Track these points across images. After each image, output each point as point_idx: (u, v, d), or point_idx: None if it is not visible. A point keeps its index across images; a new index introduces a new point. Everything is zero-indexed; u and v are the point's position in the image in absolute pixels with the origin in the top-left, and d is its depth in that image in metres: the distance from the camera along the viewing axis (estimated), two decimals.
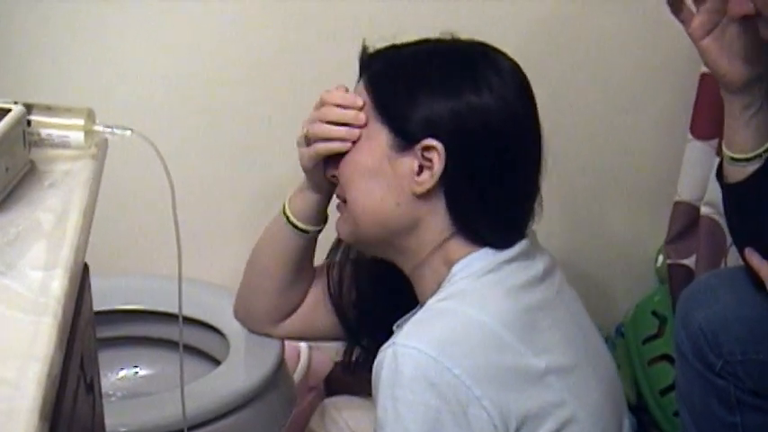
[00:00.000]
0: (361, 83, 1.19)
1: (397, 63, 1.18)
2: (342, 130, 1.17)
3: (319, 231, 1.32)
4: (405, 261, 1.20)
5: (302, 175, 1.31)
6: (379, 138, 1.15)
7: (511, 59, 1.18)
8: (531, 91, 1.18)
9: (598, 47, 1.84)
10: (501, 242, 1.14)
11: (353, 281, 1.34)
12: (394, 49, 1.19)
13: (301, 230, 1.31)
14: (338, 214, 1.23)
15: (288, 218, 1.31)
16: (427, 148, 1.12)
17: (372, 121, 1.16)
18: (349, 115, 1.17)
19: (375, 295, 1.31)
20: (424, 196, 1.13)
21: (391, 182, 1.14)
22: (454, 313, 1.09)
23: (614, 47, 1.84)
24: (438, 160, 1.11)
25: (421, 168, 1.13)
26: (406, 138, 1.13)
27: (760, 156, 1.23)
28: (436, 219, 1.15)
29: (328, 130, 1.18)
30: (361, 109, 1.17)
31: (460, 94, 1.12)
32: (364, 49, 1.21)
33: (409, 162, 1.13)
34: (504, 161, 1.14)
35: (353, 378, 1.38)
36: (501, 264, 1.13)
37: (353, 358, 1.38)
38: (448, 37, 1.20)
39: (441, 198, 1.14)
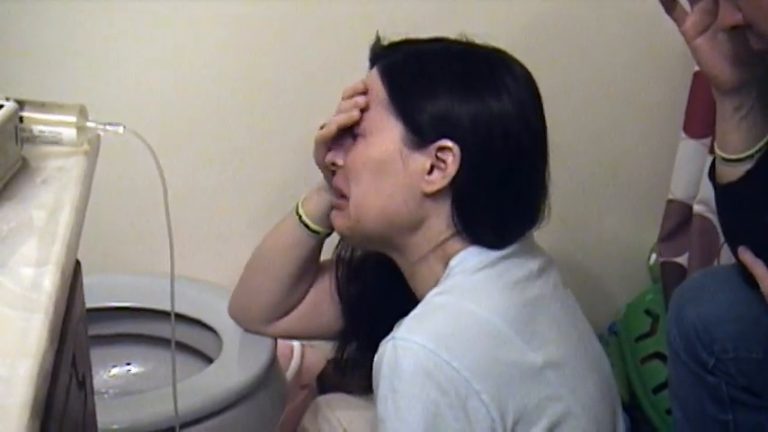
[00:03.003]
0: (375, 73, 1.18)
1: (416, 57, 1.17)
2: (339, 117, 1.18)
3: (329, 234, 1.32)
4: (401, 258, 1.20)
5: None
6: (393, 132, 1.14)
7: (524, 67, 1.18)
8: (540, 96, 1.18)
9: (591, 46, 1.84)
10: (499, 244, 1.15)
11: (360, 276, 1.33)
12: (411, 44, 1.19)
13: (313, 231, 1.31)
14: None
15: (300, 217, 1.31)
16: (442, 149, 1.11)
17: (386, 113, 1.15)
18: (351, 103, 1.17)
19: (381, 291, 1.31)
20: (432, 196, 1.13)
21: (401, 178, 1.14)
22: (453, 307, 1.09)
23: (607, 45, 1.84)
24: (453, 162, 1.11)
25: (432, 168, 1.12)
26: (421, 135, 1.13)
27: (752, 156, 1.23)
28: (440, 219, 1.15)
29: (332, 120, 1.19)
30: (364, 93, 1.16)
31: (482, 96, 1.12)
32: (378, 39, 1.20)
33: (422, 160, 1.13)
34: (515, 167, 1.14)
35: (345, 377, 1.38)
36: (497, 259, 1.13)
37: (345, 357, 1.37)
38: (463, 39, 1.19)
39: (447, 199, 1.14)
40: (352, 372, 1.33)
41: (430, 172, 1.12)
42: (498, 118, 1.12)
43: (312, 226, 1.30)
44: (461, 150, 1.11)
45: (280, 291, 1.35)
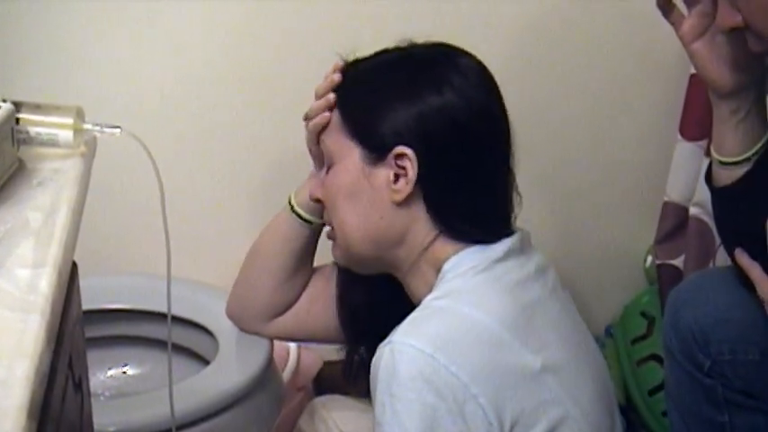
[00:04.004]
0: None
1: (358, 78, 1.20)
2: (317, 102, 1.20)
3: (323, 225, 1.32)
4: (399, 272, 1.20)
5: (293, 175, 1.32)
6: (352, 155, 1.16)
7: (471, 56, 1.19)
8: (495, 84, 1.19)
9: (587, 48, 1.84)
10: (486, 236, 1.15)
11: (362, 281, 1.33)
12: (356, 63, 1.22)
13: (305, 221, 1.31)
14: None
15: (292, 207, 1.32)
16: (399, 156, 1.13)
17: (343, 139, 1.18)
18: (326, 83, 1.20)
19: (384, 295, 1.30)
20: (404, 204, 1.15)
21: (371, 196, 1.16)
22: (450, 311, 1.09)
23: (603, 47, 1.85)
24: (411, 166, 1.13)
25: (397, 177, 1.14)
26: (377, 149, 1.15)
27: (748, 159, 1.23)
28: (419, 224, 1.16)
29: (311, 107, 1.22)
30: (341, 70, 1.20)
31: (423, 97, 1.14)
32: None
33: (385, 173, 1.14)
34: (475, 156, 1.15)
35: (353, 383, 1.37)
36: (493, 262, 1.13)
37: (354, 363, 1.36)
38: (405, 44, 1.21)
39: (420, 202, 1.15)
40: (360, 377, 1.33)
41: (396, 182, 1.14)
42: (442, 112, 1.13)
43: (304, 215, 1.31)
44: (416, 152, 1.12)
45: (276, 284, 1.36)
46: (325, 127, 1.21)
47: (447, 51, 1.19)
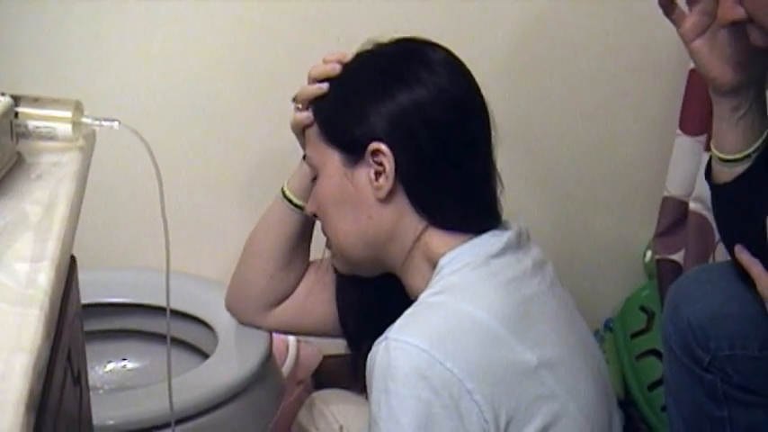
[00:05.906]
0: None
1: (331, 84, 1.21)
2: (309, 88, 1.22)
3: (315, 214, 1.32)
4: (395, 268, 1.21)
5: (292, 168, 1.33)
6: (333, 160, 1.18)
7: (439, 47, 1.20)
8: (467, 73, 1.20)
9: (587, 44, 1.84)
10: (475, 225, 1.16)
11: (355, 282, 1.33)
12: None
13: (296, 206, 1.33)
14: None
15: (284, 193, 1.33)
16: (375, 153, 1.15)
17: (323, 146, 1.19)
18: (324, 68, 1.21)
19: (383, 290, 1.30)
20: (389, 200, 1.16)
21: (356, 198, 1.17)
22: (447, 307, 1.09)
23: (604, 43, 1.85)
24: (388, 160, 1.14)
25: (378, 175, 1.15)
26: (353, 150, 1.16)
27: (749, 156, 1.23)
28: (407, 218, 1.16)
29: (301, 90, 1.23)
30: (340, 61, 1.21)
31: (391, 92, 1.15)
32: None
33: (365, 172, 1.16)
34: (450, 145, 1.16)
35: (358, 379, 1.37)
36: (489, 258, 1.13)
37: (360, 359, 1.36)
38: (371, 45, 1.22)
39: (403, 196, 1.16)
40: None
41: (377, 179, 1.15)
42: (411, 106, 1.14)
43: (295, 200, 1.33)
44: (390, 146, 1.14)
45: (271, 271, 1.36)
46: (307, 125, 1.22)
47: (413, 46, 1.21)
